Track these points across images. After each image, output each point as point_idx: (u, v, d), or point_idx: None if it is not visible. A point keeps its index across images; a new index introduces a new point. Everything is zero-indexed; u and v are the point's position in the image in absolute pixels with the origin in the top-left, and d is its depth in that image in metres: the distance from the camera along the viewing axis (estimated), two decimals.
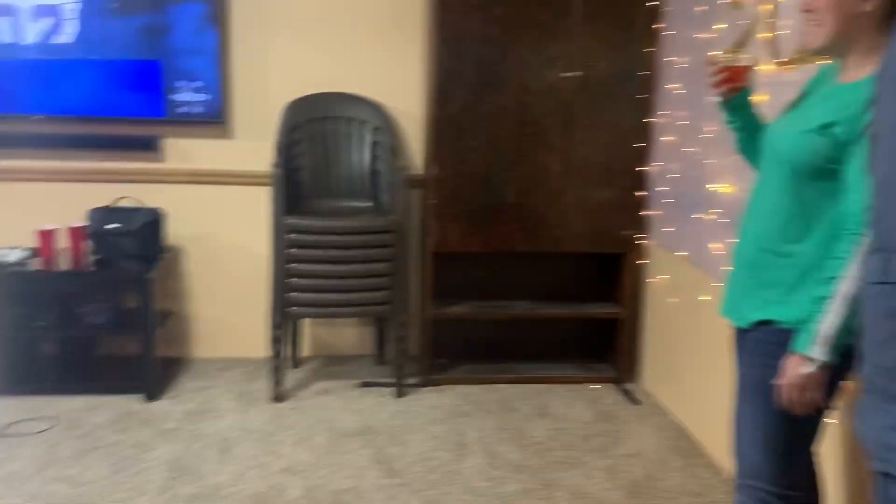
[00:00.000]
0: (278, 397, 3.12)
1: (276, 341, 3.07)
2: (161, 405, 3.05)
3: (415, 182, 3.52)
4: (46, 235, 3.15)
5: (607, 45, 3.15)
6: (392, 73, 3.47)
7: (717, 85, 1.71)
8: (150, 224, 3.20)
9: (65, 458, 2.59)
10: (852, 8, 1.45)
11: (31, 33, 3.16)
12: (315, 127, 3.38)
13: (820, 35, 1.50)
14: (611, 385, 3.41)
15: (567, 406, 3.18)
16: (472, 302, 3.43)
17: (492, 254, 3.38)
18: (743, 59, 1.80)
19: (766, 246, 1.62)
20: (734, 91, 1.71)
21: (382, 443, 2.78)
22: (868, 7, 1.44)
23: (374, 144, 3.40)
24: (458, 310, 3.34)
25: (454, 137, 3.16)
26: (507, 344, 3.59)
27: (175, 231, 3.45)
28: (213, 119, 3.33)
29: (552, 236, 3.27)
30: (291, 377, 3.35)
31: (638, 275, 3.37)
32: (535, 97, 3.15)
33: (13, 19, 3.14)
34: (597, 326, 3.57)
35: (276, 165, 3.08)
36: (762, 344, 1.63)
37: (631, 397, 3.29)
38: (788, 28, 2.17)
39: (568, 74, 3.14)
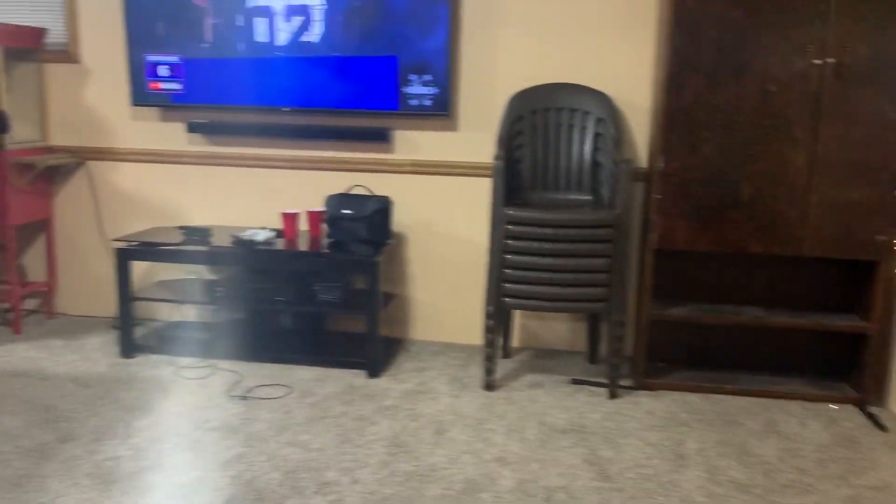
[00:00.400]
0: (489, 386, 3.16)
1: (490, 331, 3.11)
2: (381, 382, 3.21)
3: (638, 175, 3.39)
4: (290, 218, 3.43)
5: (868, 27, 2.80)
6: (619, 61, 3.36)
7: None
8: (379, 211, 3.37)
9: (298, 423, 2.81)
10: None
11: (283, 33, 3.44)
12: (537, 118, 3.36)
13: None
14: (852, 406, 3.06)
15: (799, 425, 2.90)
16: (695, 304, 3.25)
17: (719, 254, 3.17)
18: None
19: None
20: None
21: (595, 444, 2.71)
22: None
23: (597, 136, 3.31)
24: (678, 312, 3.17)
25: (685, 129, 2.99)
26: (732, 352, 3.35)
27: (399, 218, 3.61)
28: (440, 112, 3.43)
29: (792, 238, 2.98)
30: (502, 367, 3.38)
31: (892, 285, 2.99)
32: (779, 86, 2.89)
33: (268, 20, 3.44)
34: (837, 340, 3.23)
35: (497, 157, 3.10)
36: None
37: (877, 422, 2.93)
38: None
39: (819, 61, 2.84)
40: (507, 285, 3.06)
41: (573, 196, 3.33)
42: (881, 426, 2.90)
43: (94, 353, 3.44)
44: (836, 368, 3.26)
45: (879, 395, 3.11)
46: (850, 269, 3.19)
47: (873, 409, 3.03)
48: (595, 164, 3.33)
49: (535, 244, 3.01)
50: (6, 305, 3.74)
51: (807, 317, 3.13)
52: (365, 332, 3.31)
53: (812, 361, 3.31)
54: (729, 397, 3.12)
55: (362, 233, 3.34)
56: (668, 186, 3.03)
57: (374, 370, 3.27)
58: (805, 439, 2.78)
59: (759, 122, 2.93)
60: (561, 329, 3.64)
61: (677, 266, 3.34)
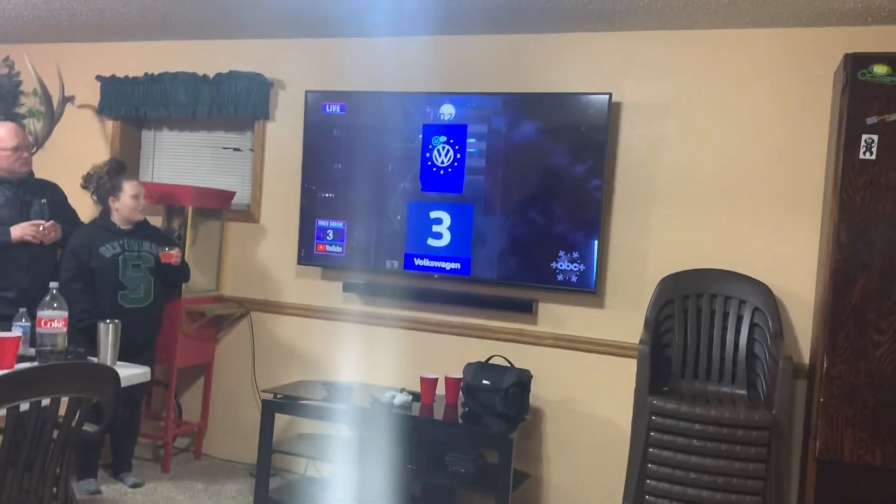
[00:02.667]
0: None
1: None
2: None
3: (800, 373, 3.14)
4: (428, 383, 3.45)
5: None
6: (780, 248, 3.21)
7: None
8: (517, 384, 3.31)
9: None
10: None
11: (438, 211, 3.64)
12: (689, 303, 3.24)
13: None
14: None
15: None
16: None
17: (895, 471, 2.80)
18: None
19: None
20: None
21: None
22: None
23: (753, 326, 3.13)
24: None
25: (853, 329, 2.76)
26: None
27: (538, 392, 3.53)
28: (586, 288, 3.41)
29: None
30: None
31: None
32: None
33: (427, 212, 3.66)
34: None
35: (643, 342, 3.00)
36: None
37: None
38: None
39: None
40: (648, 482, 2.85)
41: (726, 389, 3.12)
42: None
43: (229, 502, 3.52)
44: None
45: None
46: None
47: None
48: (751, 356, 3.12)
49: (682, 440, 2.81)
50: (160, 442, 3.96)
51: None
52: None
53: None
54: None
55: (498, 406, 3.28)
56: (834, 390, 2.77)
57: None
58: None
59: None
60: None
61: (848, 480, 2.97)
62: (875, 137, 2.77)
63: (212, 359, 4.12)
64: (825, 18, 3.09)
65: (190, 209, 3.88)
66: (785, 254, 3.21)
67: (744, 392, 3.08)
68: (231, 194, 4.12)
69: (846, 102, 2.79)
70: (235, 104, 4.07)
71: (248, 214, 4.14)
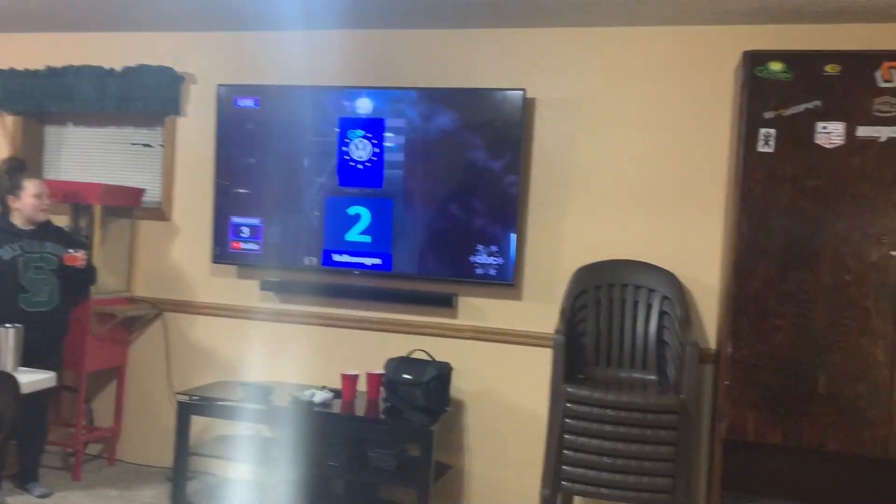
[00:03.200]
0: None
1: None
2: None
3: (707, 357, 3.27)
4: (349, 380, 3.43)
5: None
6: (687, 240, 3.34)
7: None
8: (439, 377, 3.33)
9: None
10: None
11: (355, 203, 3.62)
12: (601, 293, 3.33)
13: None
14: None
15: None
16: (770, 501, 3.00)
17: (796, 449, 2.95)
18: None
19: None
20: None
21: None
22: None
23: (663, 314, 3.24)
24: None
25: (755, 315, 2.89)
26: None
27: (459, 384, 3.56)
28: (505, 281, 3.46)
29: (876, 438, 2.76)
30: None
31: None
32: (855, 277, 2.79)
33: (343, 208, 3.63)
34: None
35: (558, 332, 3.07)
36: None
37: None
38: None
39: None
40: (565, 467, 2.92)
41: (637, 375, 3.22)
42: None
43: None
44: None
45: None
46: None
47: None
48: (661, 343, 3.23)
49: (596, 426, 2.89)
50: (70, 450, 3.81)
51: None
52: None
53: None
54: None
55: (420, 399, 3.29)
56: (737, 373, 2.89)
57: None
58: None
59: (835, 312, 2.81)
60: None
61: (753, 459, 3.12)
62: (772, 131, 2.90)
63: (124, 362, 3.99)
64: (727, 17, 3.21)
65: (98, 208, 3.74)
66: (691, 244, 3.33)
67: (654, 377, 3.19)
68: (141, 192, 3.99)
69: (745, 98, 2.92)
70: (145, 99, 3.94)
71: (160, 212, 4.02)
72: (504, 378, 3.55)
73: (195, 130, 3.96)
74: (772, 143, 2.91)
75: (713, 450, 3.02)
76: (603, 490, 2.85)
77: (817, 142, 2.85)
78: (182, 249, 3.98)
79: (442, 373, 3.35)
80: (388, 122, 3.55)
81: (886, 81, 2.79)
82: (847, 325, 2.80)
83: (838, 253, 2.81)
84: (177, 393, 3.60)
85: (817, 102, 2.85)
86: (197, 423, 3.82)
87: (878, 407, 2.76)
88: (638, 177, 3.40)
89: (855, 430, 2.78)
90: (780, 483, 3.08)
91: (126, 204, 3.92)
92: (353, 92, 3.59)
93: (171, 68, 3.93)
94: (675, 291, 3.22)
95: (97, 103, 4.01)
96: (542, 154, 3.51)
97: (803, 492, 3.05)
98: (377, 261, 3.58)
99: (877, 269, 2.77)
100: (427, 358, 3.48)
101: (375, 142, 3.56)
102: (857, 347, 2.79)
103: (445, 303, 3.58)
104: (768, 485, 3.09)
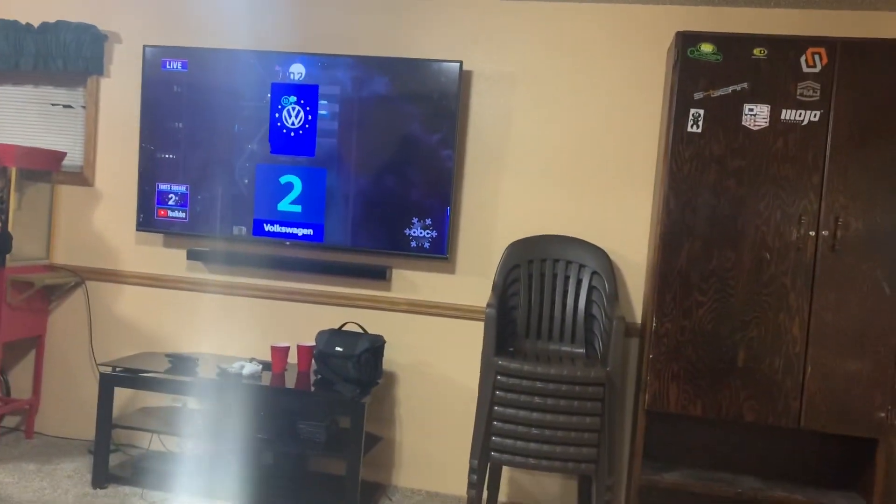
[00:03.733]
0: None
1: (473, 487, 2.98)
2: None
3: (633, 331, 3.36)
4: (279, 352, 3.39)
5: (861, 203, 2.83)
6: (617, 219, 3.40)
7: None
8: (371, 350, 3.33)
9: None
10: None
11: (288, 173, 3.54)
12: (533, 268, 3.37)
13: None
14: None
15: None
16: (690, 470, 3.12)
17: (715, 420, 3.07)
18: None
19: None
20: None
21: None
22: None
23: (592, 289, 3.30)
24: (672, 478, 3.04)
25: (679, 291, 2.97)
26: None
27: (392, 357, 3.56)
28: (439, 255, 3.46)
29: (789, 409, 2.90)
30: None
31: (892, 465, 2.86)
32: (774, 255, 2.90)
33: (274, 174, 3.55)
34: None
35: (490, 305, 3.09)
36: None
37: None
38: None
39: (813, 233, 2.86)
40: (494, 438, 2.96)
41: (566, 348, 3.29)
42: None
43: (65, 482, 3.32)
44: None
45: None
46: (851, 445, 3.07)
47: None
48: (589, 317, 3.30)
49: (525, 397, 2.93)
50: None
51: (806, 492, 2.99)
52: (346, 476, 3.18)
53: None
54: None
55: (351, 372, 3.29)
56: (661, 347, 2.98)
57: None
58: None
59: (755, 288, 2.91)
60: (551, 486, 3.49)
61: (674, 429, 3.23)
62: (701, 112, 2.97)
63: (43, 331, 3.84)
64: None
65: (13, 170, 3.56)
66: (622, 221, 3.40)
67: (582, 350, 3.26)
68: (62, 155, 3.81)
69: (676, 78, 2.97)
70: (65, 57, 3.75)
71: (82, 177, 3.85)
72: (436, 351, 3.57)
73: (120, 92, 3.79)
74: (700, 123, 2.97)
75: (636, 420, 3.11)
76: (531, 460, 2.91)
77: (744, 123, 2.93)
78: (105, 216, 3.84)
79: (374, 345, 3.34)
80: (323, 90, 3.48)
81: (810, 67, 2.88)
82: (766, 302, 2.91)
83: (760, 232, 2.91)
84: (99, 364, 3.49)
85: (745, 85, 2.93)
86: (121, 395, 3.73)
87: (793, 380, 2.89)
88: (572, 153, 3.44)
89: (770, 402, 2.91)
90: (699, 453, 3.21)
91: (45, 167, 3.74)
92: (287, 57, 3.50)
93: (93, 26, 3.74)
94: (605, 267, 3.28)
95: (12, 60, 3.79)
96: (477, 128, 3.51)
97: (722, 461, 3.19)
98: (309, 231, 3.53)
99: (795, 249, 2.88)
100: (359, 331, 3.47)
101: (308, 108, 3.49)
102: (774, 323, 2.90)
103: (379, 275, 3.56)
104: (689, 454, 3.22)
